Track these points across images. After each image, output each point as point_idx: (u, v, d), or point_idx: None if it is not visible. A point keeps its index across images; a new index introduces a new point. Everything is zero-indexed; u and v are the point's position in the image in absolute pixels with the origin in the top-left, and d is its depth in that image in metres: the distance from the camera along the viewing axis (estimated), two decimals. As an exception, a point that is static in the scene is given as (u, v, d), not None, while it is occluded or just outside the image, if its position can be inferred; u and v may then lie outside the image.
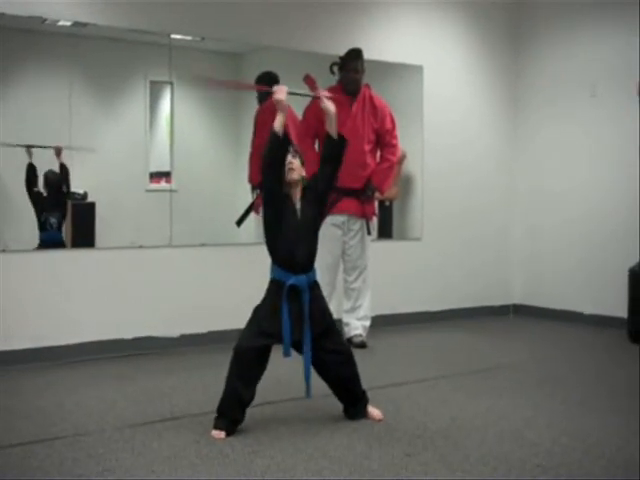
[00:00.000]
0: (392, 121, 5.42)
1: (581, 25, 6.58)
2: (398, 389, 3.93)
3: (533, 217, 7.03)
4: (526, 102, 7.08)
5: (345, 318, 5.43)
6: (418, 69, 6.56)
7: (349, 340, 5.39)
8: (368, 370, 4.66)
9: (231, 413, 3.37)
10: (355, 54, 5.30)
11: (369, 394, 3.68)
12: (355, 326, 5.42)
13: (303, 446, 3.19)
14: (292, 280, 3.40)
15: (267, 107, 5.83)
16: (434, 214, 6.69)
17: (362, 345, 5.34)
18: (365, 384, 3.77)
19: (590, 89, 6.46)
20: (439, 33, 6.70)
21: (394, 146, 5.44)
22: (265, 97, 5.89)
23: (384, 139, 5.38)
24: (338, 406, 3.71)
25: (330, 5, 6.01)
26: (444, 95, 6.73)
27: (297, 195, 3.50)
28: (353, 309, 5.43)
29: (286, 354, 3.41)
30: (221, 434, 3.31)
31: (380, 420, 3.55)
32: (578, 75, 6.58)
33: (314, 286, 3.52)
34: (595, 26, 6.47)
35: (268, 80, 5.91)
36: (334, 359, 3.52)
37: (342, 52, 5.37)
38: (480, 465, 2.98)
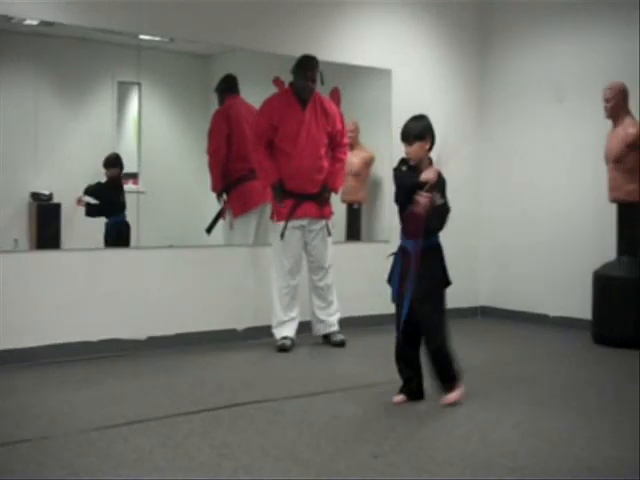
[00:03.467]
0: (342, 121, 5.57)
1: (549, 27, 6.59)
2: (366, 390, 3.94)
3: (499, 220, 7.08)
4: (491, 103, 7.13)
5: (320, 315, 5.49)
6: (387, 72, 6.57)
7: (326, 337, 5.50)
8: (336, 372, 4.68)
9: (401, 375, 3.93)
10: (313, 63, 5.35)
11: (339, 395, 3.68)
12: (331, 323, 5.50)
13: (270, 448, 3.18)
14: (402, 243, 3.91)
15: (222, 111, 5.83)
16: (402, 217, 6.69)
17: (342, 344, 5.41)
18: (333, 385, 3.76)
19: (558, 92, 6.50)
20: (408, 36, 6.71)
21: (345, 145, 5.60)
22: (223, 100, 5.89)
23: (335, 140, 5.51)
24: (305, 408, 3.71)
25: (299, 8, 6.01)
26: (412, 98, 6.73)
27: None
28: (326, 306, 5.50)
29: (392, 299, 3.86)
30: (398, 397, 3.87)
31: (449, 404, 3.76)
32: (545, 78, 6.62)
33: (428, 251, 3.79)
34: (563, 28, 6.49)
35: (226, 83, 5.92)
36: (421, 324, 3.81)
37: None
38: (447, 466, 3.00)
